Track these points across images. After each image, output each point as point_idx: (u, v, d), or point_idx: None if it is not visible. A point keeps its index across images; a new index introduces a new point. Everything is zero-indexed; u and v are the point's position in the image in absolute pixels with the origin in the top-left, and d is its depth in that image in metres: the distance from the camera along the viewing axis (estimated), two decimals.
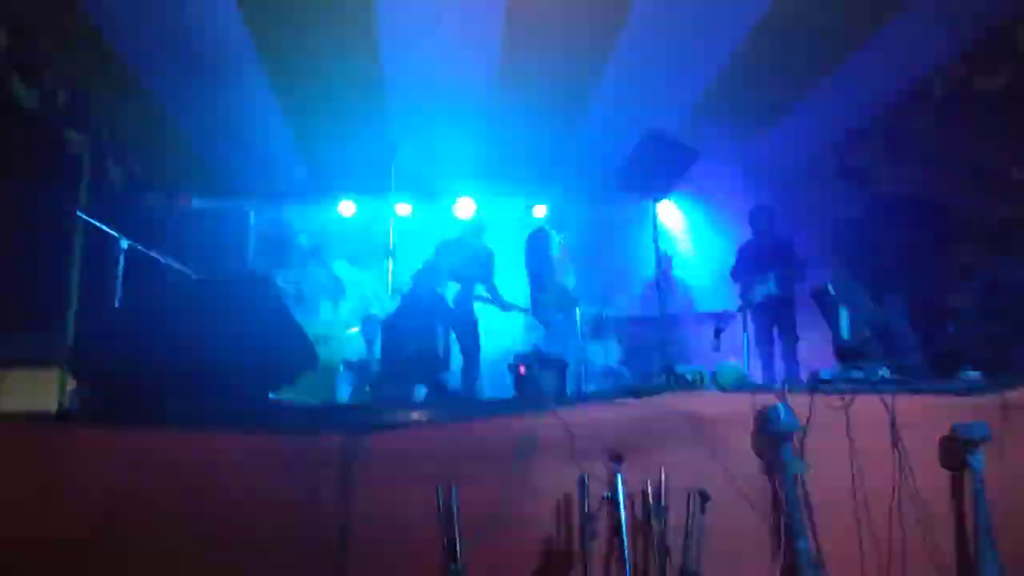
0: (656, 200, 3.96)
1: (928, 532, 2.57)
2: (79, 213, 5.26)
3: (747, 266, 6.36)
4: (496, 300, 6.06)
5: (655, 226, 3.92)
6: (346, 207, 8.00)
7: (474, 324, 5.69)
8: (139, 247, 4.25)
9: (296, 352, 3.15)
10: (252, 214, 6.16)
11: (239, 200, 7.68)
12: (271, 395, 3.26)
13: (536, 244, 5.85)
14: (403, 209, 7.36)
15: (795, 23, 5.02)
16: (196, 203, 7.89)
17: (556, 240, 5.81)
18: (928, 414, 2.72)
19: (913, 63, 5.64)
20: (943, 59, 5.50)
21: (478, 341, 5.61)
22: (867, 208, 5.45)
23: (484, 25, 5.05)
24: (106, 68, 5.34)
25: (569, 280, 5.75)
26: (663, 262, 6.44)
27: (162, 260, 4.46)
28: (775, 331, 6.11)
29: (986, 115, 5.52)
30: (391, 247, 5.08)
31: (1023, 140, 5.50)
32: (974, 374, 3.31)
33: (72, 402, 2.91)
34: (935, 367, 4.33)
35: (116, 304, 4.02)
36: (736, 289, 6.45)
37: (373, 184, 7.17)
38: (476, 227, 6.38)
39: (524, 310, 6.05)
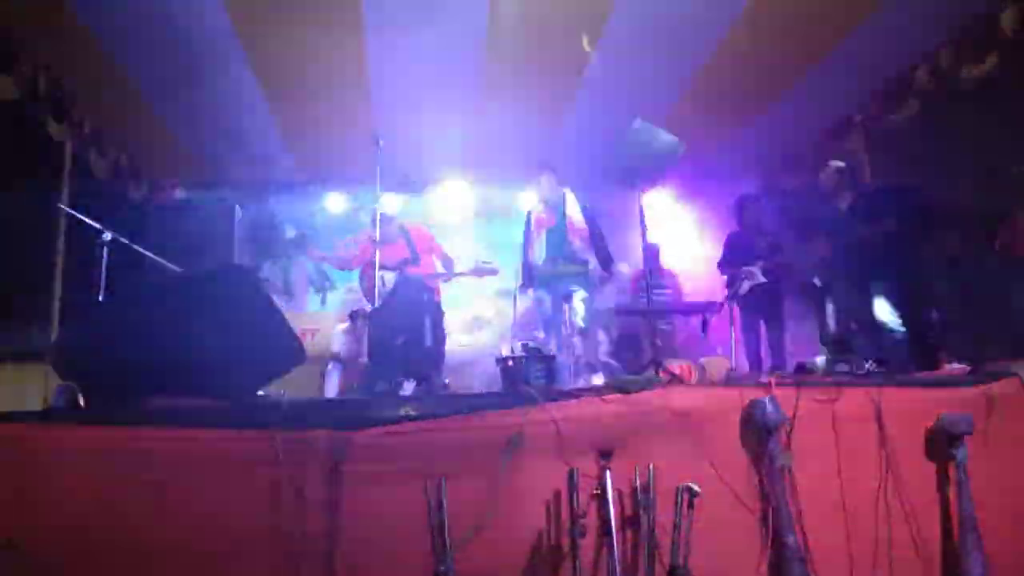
0: (642, 191, 3.95)
1: (914, 524, 2.59)
2: (61, 205, 5.21)
3: (734, 257, 6.38)
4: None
5: (642, 217, 3.91)
6: (333, 199, 7.96)
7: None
8: (123, 240, 4.19)
9: (283, 347, 3.14)
10: (238, 206, 6.09)
11: (225, 192, 7.61)
12: (257, 391, 3.25)
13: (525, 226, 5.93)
14: (390, 201, 7.30)
15: (780, 13, 5.02)
16: (181, 195, 7.83)
17: (531, 216, 5.81)
18: (913, 407, 2.74)
19: (898, 52, 5.65)
20: (928, 48, 5.52)
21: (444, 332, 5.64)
22: (853, 198, 5.46)
23: (470, 16, 5.01)
24: (89, 57, 5.26)
25: (539, 255, 5.60)
26: (650, 253, 6.46)
27: (146, 253, 4.40)
28: (761, 322, 6.14)
29: (970, 104, 5.54)
30: (377, 239, 5.04)
31: (1007, 129, 5.53)
32: (958, 365, 3.35)
33: (56, 399, 2.87)
34: (919, 358, 4.37)
35: (99, 298, 3.96)
36: (723, 280, 6.48)
37: (360, 176, 7.17)
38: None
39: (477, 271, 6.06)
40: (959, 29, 5.22)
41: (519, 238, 5.95)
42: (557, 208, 5.58)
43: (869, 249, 5.16)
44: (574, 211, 5.49)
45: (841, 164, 5.67)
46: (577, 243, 5.45)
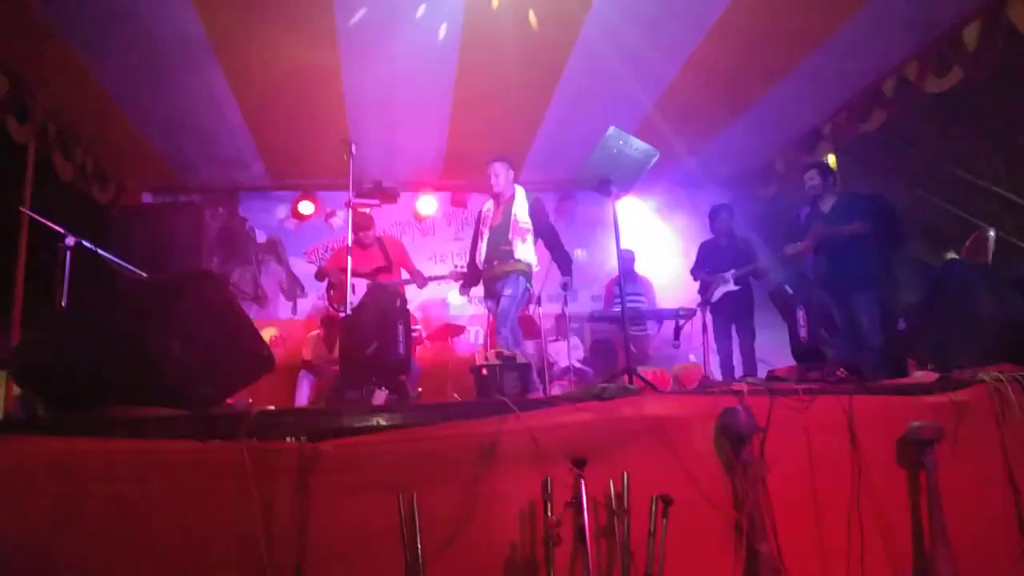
0: (616, 198, 3.96)
1: (886, 532, 2.61)
2: (23, 209, 5.08)
3: (706, 264, 6.44)
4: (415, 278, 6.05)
5: (616, 224, 3.91)
6: (304, 204, 7.88)
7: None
8: (87, 244, 4.09)
9: (251, 355, 3.07)
10: (207, 211, 5.99)
11: (194, 196, 7.49)
12: (225, 399, 3.18)
13: None
14: (362, 206, 7.24)
15: (750, 26, 5.08)
16: (148, 199, 7.69)
17: (480, 213, 5.48)
18: (884, 414, 2.76)
19: (866, 65, 5.75)
20: (894, 61, 5.62)
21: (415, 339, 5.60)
22: (834, 202, 5.53)
23: (444, 21, 5.00)
24: (54, 58, 5.14)
25: (481, 252, 5.26)
26: (624, 260, 6.48)
27: (111, 258, 4.30)
28: (733, 329, 6.20)
29: (935, 116, 5.66)
30: (350, 244, 4.99)
31: (972, 140, 5.66)
32: (926, 372, 3.39)
33: (16, 409, 2.78)
34: (889, 366, 4.43)
35: (62, 304, 3.86)
36: (696, 287, 6.53)
37: (332, 181, 7.11)
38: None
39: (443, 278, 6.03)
40: (924, 43, 5.32)
41: None
42: (507, 205, 5.23)
43: (845, 254, 5.24)
44: (520, 209, 5.12)
45: (824, 165, 5.74)
46: (518, 243, 5.03)
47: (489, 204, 5.36)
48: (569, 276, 5.33)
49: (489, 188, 5.30)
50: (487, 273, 5.22)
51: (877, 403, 2.80)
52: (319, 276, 6.38)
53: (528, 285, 5.12)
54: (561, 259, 5.28)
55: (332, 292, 6.21)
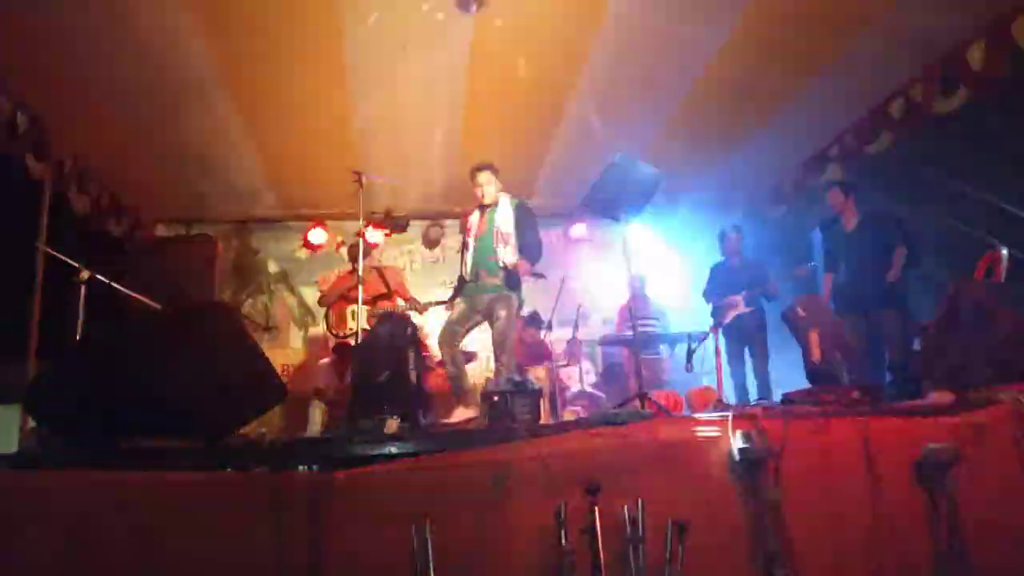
0: (626, 223, 3.97)
1: (904, 555, 2.57)
2: (39, 244, 5.15)
3: (718, 287, 6.42)
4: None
5: (626, 248, 3.92)
6: (315, 234, 7.93)
7: None
8: (101, 277, 4.13)
9: (263, 384, 3.08)
10: (219, 242, 6.05)
11: (206, 228, 7.57)
12: (238, 429, 3.18)
13: None
14: (374, 235, 7.29)
15: (756, 50, 5.12)
16: (162, 231, 7.78)
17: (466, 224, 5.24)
18: (900, 436, 2.73)
19: (873, 86, 5.77)
20: (901, 82, 5.64)
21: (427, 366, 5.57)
22: (860, 220, 5.51)
23: (451, 50, 5.07)
24: (70, 95, 5.25)
25: (468, 263, 5.04)
26: (635, 283, 6.48)
27: (125, 291, 4.34)
28: (747, 351, 6.16)
29: (943, 136, 5.65)
30: (360, 274, 5.02)
31: (980, 160, 5.64)
32: (942, 393, 3.35)
33: (30, 442, 2.79)
34: (904, 387, 4.38)
35: (76, 337, 3.89)
36: (708, 310, 6.51)
37: (342, 211, 7.17)
38: None
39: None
40: (930, 64, 5.34)
41: None
42: (491, 213, 5.01)
43: (870, 273, 5.20)
44: (503, 218, 4.92)
45: (847, 183, 5.69)
46: (502, 250, 4.82)
47: (476, 215, 5.13)
48: (532, 263, 4.92)
49: (478, 200, 5.08)
50: (474, 284, 4.97)
51: (893, 425, 2.77)
52: (321, 303, 6.43)
53: (521, 299, 4.98)
54: (530, 248, 4.93)
55: (331, 318, 6.26)
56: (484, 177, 5.03)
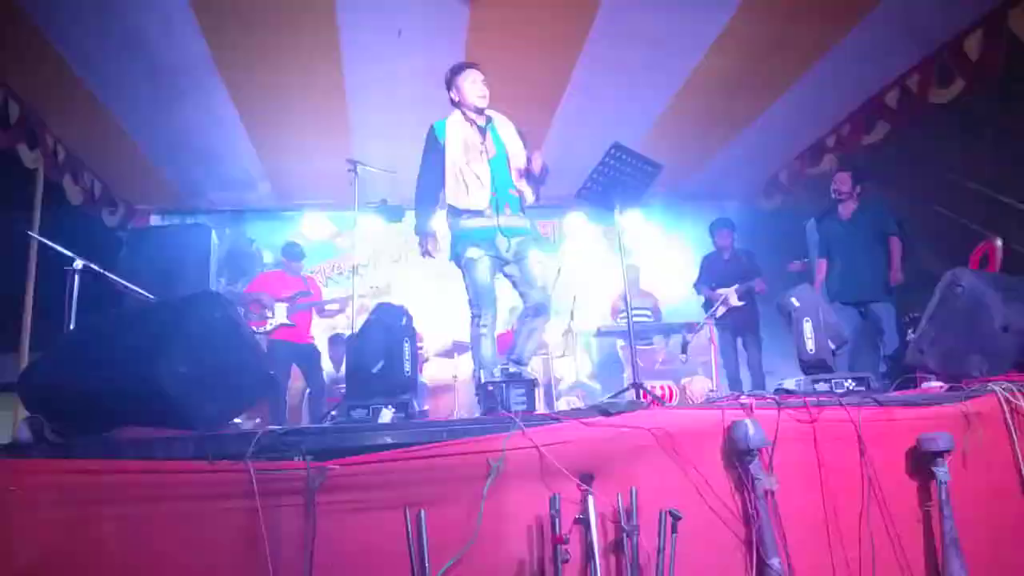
0: (621, 212, 3.95)
1: (897, 544, 2.58)
2: (32, 233, 5.11)
3: (709, 278, 6.44)
4: None
5: (620, 239, 3.91)
6: (310, 223, 7.91)
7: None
8: (94, 267, 4.11)
9: (257, 375, 3.08)
10: (214, 232, 6.04)
11: (200, 217, 7.54)
12: (231, 420, 3.18)
13: None
14: (368, 224, 7.27)
15: (751, 40, 5.11)
16: (156, 220, 7.75)
17: (446, 129, 3.97)
18: (893, 426, 2.74)
19: (868, 77, 5.77)
20: (897, 73, 5.63)
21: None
22: (857, 207, 5.50)
23: (447, 39, 5.04)
24: (61, 82, 5.21)
25: (473, 197, 3.76)
26: (631, 274, 6.46)
27: (119, 280, 4.32)
28: (740, 342, 6.18)
29: (939, 127, 5.65)
30: (355, 264, 5.01)
31: (974, 151, 5.64)
32: (936, 383, 3.36)
33: (21, 431, 2.78)
34: (897, 376, 4.39)
35: (69, 327, 3.87)
36: (700, 301, 6.53)
37: (337, 200, 7.14)
38: None
39: None
40: (926, 54, 5.33)
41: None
42: (493, 132, 3.87)
43: (866, 264, 5.21)
44: (512, 138, 3.88)
45: (856, 171, 5.66)
46: (520, 184, 3.83)
47: (466, 127, 3.82)
48: (536, 197, 3.95)
49: (468, 105, 3.84)
50: (494, 227, 3.72)
51: (886, 415, 2.78)
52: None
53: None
54: (535, 176, 3.87)
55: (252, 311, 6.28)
56: (469, 75, 3.86)
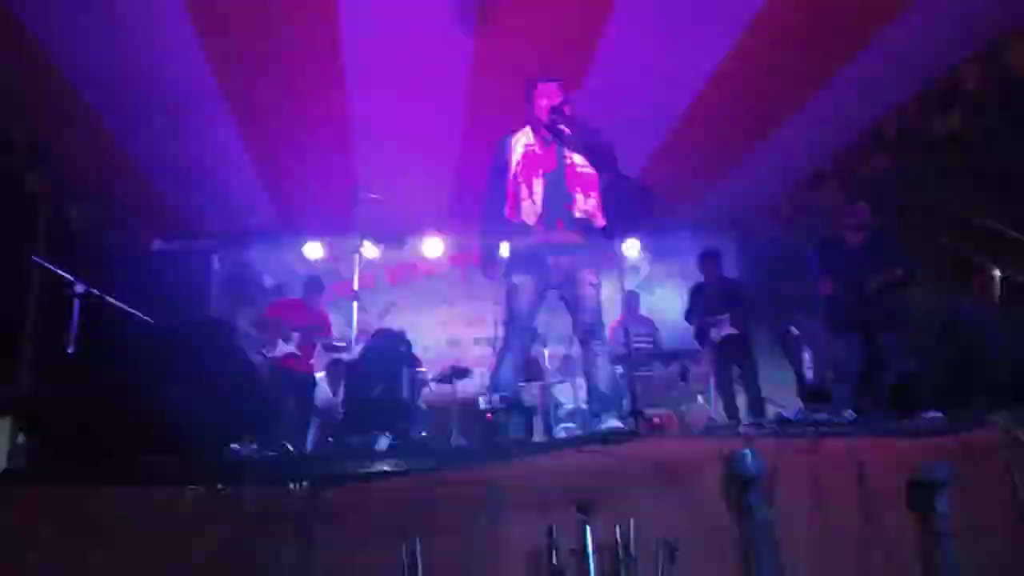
0: (620, 241, 3.96)
1: (897, 575, 2.56)
2: (34, 257, 5.14)
3: (700, 308, 6.44)
4: None
5: (619, 266, 3.92)
6: (312, 249, 7.94)
7: None
8: (95, 291, 4.13)
9: (253, 401, 3.08)
10: (215, 256, 6.06)
11: (202, 242, 7.57)
12: (229, 445, 3.17)
13: None
14: (370, 250, 7.30)
15: (752, 68, 5.17)
16: (158, 245, 7.77)
17: (511, 144, 3.87)
18: (893, 456, 2.72)
19: (868, 105, 5.82)
20: (897, 102, 5.69)
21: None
22: (866, 237, 5.49)
23: (451, 65, 5.10)
24: (66, 107, 5.26)
25: (527, 212, 3.60)
26: (629, 302, 6.47)
27: (120, 305, 4.33)
28: (736, 371, 6.16)
29: (939, 155, 5.69)
30: (356, 289, 5.02)
31: (974, 180, 5.67)
32: (935, 414, 3.35)
33: (20, 457, 2.78)
34: (897, 408, 4.38)
35: (69, 351, 3.88)
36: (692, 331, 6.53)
37: (339, 226, 7.18)
38: None
39: None
40: (926, 84, 5.39)
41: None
42: (550, 142, 3.67)
43: (875, 294, 5.19)
44: (575, 149, 3.63)
45: (874, 202, 5.64)
46: (581, 200, 3.58)
47: (529, 135, 3.71)
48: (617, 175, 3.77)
49: (533, 111, 3.73)
50: (545, 240, 3.56)
51: (886, 445, 2.77)
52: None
53: None
54: (604, 156, 3.73)
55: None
56: (554, 88, 3.69)
